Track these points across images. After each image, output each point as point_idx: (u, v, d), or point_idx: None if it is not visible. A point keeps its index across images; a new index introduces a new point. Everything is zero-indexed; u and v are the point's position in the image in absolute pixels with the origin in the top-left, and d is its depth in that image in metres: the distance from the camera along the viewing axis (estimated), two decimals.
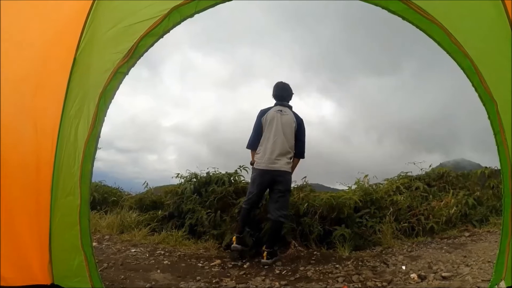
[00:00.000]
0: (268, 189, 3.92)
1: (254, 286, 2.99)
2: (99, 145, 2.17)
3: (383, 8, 1.89)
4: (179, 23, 1.94)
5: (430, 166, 6.25)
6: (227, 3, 2.04)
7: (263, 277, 3.22)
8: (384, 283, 2.96)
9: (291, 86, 4.10)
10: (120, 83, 2.03)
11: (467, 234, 4.49)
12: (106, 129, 2.15)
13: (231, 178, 4.94)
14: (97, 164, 2.21)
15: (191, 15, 1.92)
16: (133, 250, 4.03)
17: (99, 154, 2.21)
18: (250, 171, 5.05)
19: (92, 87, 2.06)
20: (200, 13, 2.00)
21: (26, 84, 2.06)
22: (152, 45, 1.98)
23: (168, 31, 1.96)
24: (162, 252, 4.01)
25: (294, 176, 4.13)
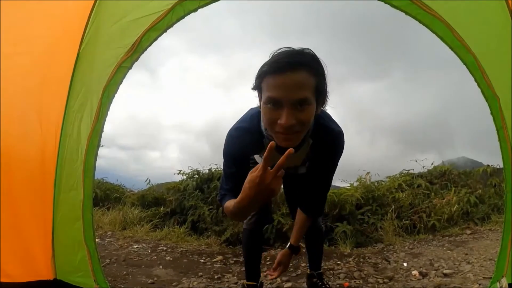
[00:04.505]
0: None
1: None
2: (101, 143, 2.17)
3: (385, 3, 1.88)
4: (183, 17, 1.94)
5: (432, 163, 6.26)
6: (229, 0, 2.04)
7: (265, 273, 3.22)
8: (386, 280, 2.96)
9: None
10: (124, 77, 2.02)
11: (468, 232, 4.48)
12: (107, 127, 2.14)
13: None
14: (99, 162, 2.20)
15: (195, 10, 1.92)
16: (135, 246, 4.05)
17: (101, 151, 2.20)
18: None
19: (95, 81, 2.05)
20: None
21: (33, 77, 2.06)
22: (156, 39, 1.98)
23: (171, 26, 1.96)
24: (164, 248, 4.03)
25: None
